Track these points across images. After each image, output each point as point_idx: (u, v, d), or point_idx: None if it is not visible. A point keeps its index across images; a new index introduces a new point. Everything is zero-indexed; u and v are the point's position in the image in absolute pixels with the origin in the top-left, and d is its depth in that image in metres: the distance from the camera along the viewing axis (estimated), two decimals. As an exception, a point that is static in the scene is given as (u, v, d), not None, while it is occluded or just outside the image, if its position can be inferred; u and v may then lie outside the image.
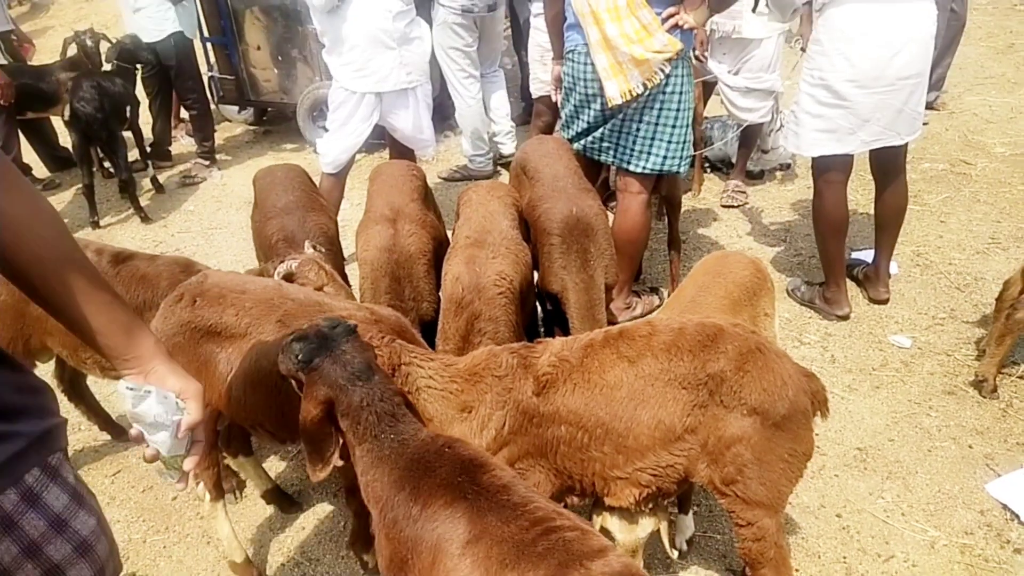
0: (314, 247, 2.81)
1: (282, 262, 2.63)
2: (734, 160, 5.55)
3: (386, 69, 4.13)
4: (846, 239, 3.90)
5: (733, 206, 5.22)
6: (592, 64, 3.41)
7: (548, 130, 4.96)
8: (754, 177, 5.57)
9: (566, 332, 3.25)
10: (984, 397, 3.32)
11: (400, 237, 2.89)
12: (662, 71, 3.32)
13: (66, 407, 3.49)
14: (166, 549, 2.94)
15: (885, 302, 4.01)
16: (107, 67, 5.85)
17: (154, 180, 6.26)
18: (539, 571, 1.47)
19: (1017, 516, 2.70)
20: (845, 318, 3.93)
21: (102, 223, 5.71)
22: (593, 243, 2.90)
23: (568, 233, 2.90)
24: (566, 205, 2.96)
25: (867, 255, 4.41)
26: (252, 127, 7.57)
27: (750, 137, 5.21)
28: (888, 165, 3.71)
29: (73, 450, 3.45)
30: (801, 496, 2.90)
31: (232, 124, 7.62)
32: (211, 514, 2.68)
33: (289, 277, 2.60)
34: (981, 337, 3.69)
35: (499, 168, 6.11)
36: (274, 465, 3.29)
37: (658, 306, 4.17)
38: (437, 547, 1.63)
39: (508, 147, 6.12)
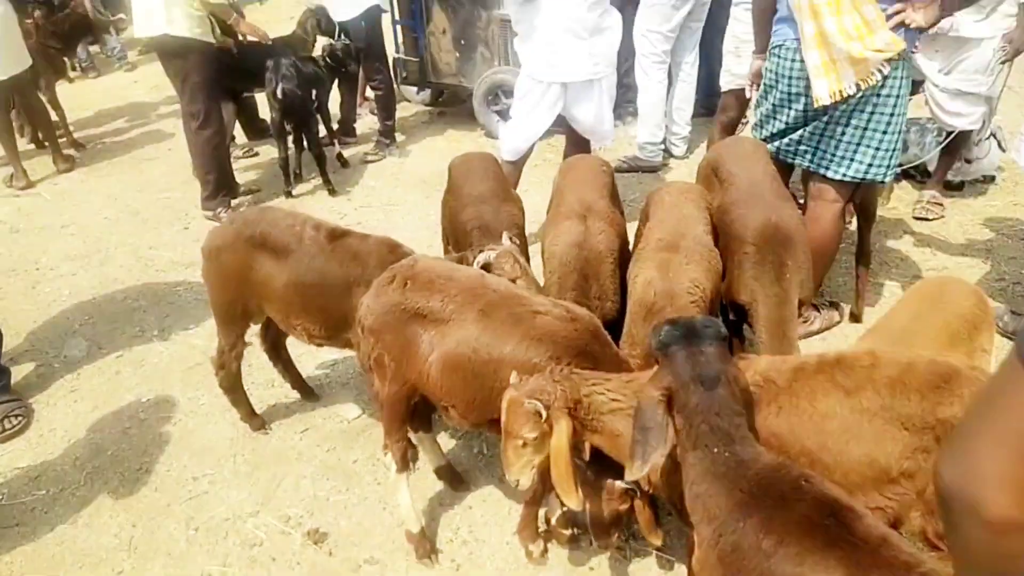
0: (511, 239, 2.89)
1: (481, 251, 2.73)
2: (930, 168, 5.14)
3: (575, 59, 4.15)
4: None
5: (927, 219, 4.85)
6: (800, 61, 3.25)
7: (732, 126, 4.81)
8: (953, 188, 5.13)
9: (741, 344, 3.16)
10: None
11: (590, 234, 2.92)
12: (880, 72, 3.12)
13: (267, 367, 3.83)
14: (347, 509, 3.16)
15: None
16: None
17: (340, 156, 6.67)
18: None
19: None
20: None
21: (294, 192, 6.15)
22: (790, 256, 2.79)
23: (765, 243, 2.81)
24: (764, 213, 2.86)
25: None
26: (427, 108, 7.87)
27: (955, 145, 4.79)
28: None
29: (267, 405, 3.78)
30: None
31: (409, 105, 7.96)
32: (395, 484, 2.86)
33: (487, 267, 2.70)
34: None
35: (667, 163, 6.02)
36: (445, 443, 3.45)
37: (838, 322, 3.97)
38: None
39: (680, 149, 6.00)
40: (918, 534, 1.97)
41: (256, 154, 7.02)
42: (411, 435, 3.22)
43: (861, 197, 3.77)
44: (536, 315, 2.42)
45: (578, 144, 4.72)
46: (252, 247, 3.14)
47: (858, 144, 3.31)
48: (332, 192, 6.14)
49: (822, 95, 3.22)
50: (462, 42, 6.64)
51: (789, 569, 1.57)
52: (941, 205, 4.89)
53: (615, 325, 2.84)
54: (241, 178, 6.32)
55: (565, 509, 2.64)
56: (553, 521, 2.84)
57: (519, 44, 4.30)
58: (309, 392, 3.82)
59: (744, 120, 5.36)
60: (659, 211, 2.94)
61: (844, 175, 3.39)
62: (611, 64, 4.31)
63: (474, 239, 3.01)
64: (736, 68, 4.58)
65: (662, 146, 5.90)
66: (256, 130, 7.05)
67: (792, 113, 3.44)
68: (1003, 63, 4.10)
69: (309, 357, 4.05)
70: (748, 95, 3.98)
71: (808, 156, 3.47)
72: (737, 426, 1.76)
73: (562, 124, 4.62)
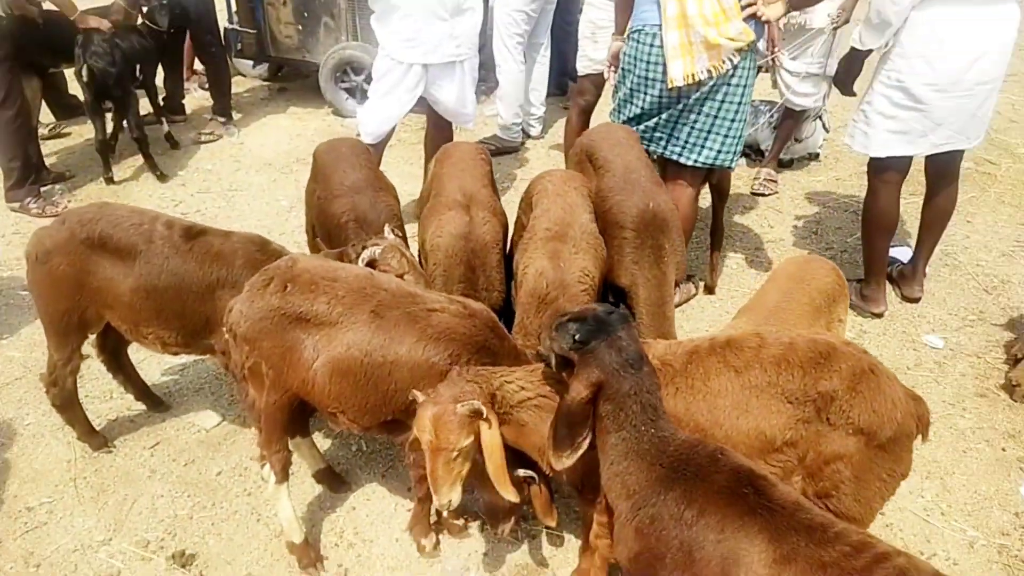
0: (393, 231, 2.76)
1: (364, 247, 2.58)
2: (762, 146, 5.54)
3: (436, 40, 4.02)
4: (891, 239, 3.95)
5: (764, 194, 5.24)
6: (658, 46, 3.33)
7: (589, 110, 4.89)
8: (784, 165, 5.58)
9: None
10: (1015, 401, 3.41)
11: (475, 225, 2.85)
12: (731, 60, 3.28)
13: (104, 377, 3.43)
14: (215, 526, 2.91)
15: (917, 300, 4.07)
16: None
17: (169, 136, 6.06)
18: None
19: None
20: (880, 316, 3.99)
21: (117, 178, 5.53)
22: (667, 239, 2.89)
23: (643, 228, 2.88)
24: (642, 199, 2.93)
25: (899, 252, 4.48)
26: (266, 83, 7.36)
27: (790, 125, 5.19)
28: (945, 169, 3.74)
29: (107, 420, 3.40)
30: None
31: (245, 80, 7.40)
32: (275, 495, 2.67)
33: (372, 263, 2.56)
34: (1010, 340, 3.78)
35: (524, 143, 6.04)
36: (321, 444, 3.27)
37: (694, 295, 4.20)
38: (729, 560, 1.61)
39: (536, 129, 6.04)
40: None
41: (67, 134, 6.23)
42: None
43: (717, 178, 3.98)
44: (432, 313, 2.32)
45: (440, 127, 4.60)
46: (90, 249, 2.78)
47: (708, 132, 3.48)
48: (161, 177, 5.57)
49: (676, 76, 3.32)
50: (305, 14, 6.24)
51: (712, 536, 1.66)
52: (775, 181, 5.29)
53: (500, 315, 2.81)
54: (50, 162, 5.59)
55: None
56: (445, 513, 2.79)
57: (376, 23, 4.10)
58: (157, 402, 3.46)
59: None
60: (544, 199, 2.92)
61: (696, 161, 3.55)
62: (473, 46, 4.23)
63: (350, 232, 2.84)
64: (593, 53, 4.66)
65: (521, 128, 5.91)
66: (65, 107, 6.24)
67: (648, 99, 3.52)
68: (835, 29, 4.46)
69: (153, 362, 3.68)
70: (606, 77, 4.06)
71: (663, 143, 3.59)
72: (660, 399, 1.86)
73: (423, 105, 4.49)
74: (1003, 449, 3.21)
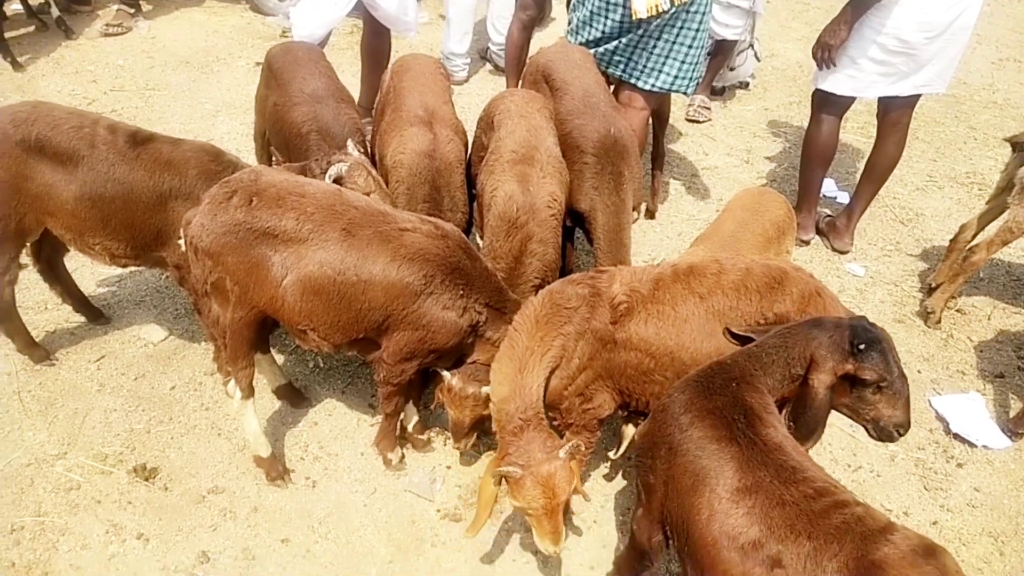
0: (357, 147, 2.69)
1: (329, 163, 2.52)
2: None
3: (380, -60, 3.82)
4: (827, 170, 4.15)
5: (699, 121, 5.36)
6: None
7: (531, 25, 4.75)
8: (716, 93, 5.69)
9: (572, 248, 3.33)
10: (929, 327, 3.75)
11: (440, 143, 2.82)
12: (691, -11, 3.30)
13: (38, 287, 3.27)
14: (174, 440, 2.90)
15: (847, 253, 4.24)
16: None
17: (60, 22, 5.52)
18: (842, 546, 1.55)
19: (959, 435, 3.16)
20: (807, 243, 4.24)
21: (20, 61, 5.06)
22: (627, 166, 2.95)
23: (604, 154, 2.92)
24: (603, 124, 2.96)
25: (824, 184, 4.71)
26: (179, -28, 6.79)
27: (723, 53, 5.28)
28: (900, 117, 3.86)
29: (45, 332, 3.27)
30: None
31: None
32: (240, 410, 2.68)
33: (338, 180, 2.51)
34: (925, 270, 4.12)
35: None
36: (279, 360, 3.25)
37: (636, 219, 4.30)
38: (698, 478, 1.73)
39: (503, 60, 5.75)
40: None
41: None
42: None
43: (658, 103, 4.03)
44: (404, 232, 2.33)
45: (377, 34, 4.42)
46: (26, 152, 2.61)
47: (667, 57, 3.52)
48: (16, 66, 5.07)
49: (640, 9, 3.32)
50: None
51: (692, 449, 1.81)
52: (709, 108, 5.42)
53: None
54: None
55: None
56: (410, 428, 2.88)
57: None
58: (97, 314, 3.35)
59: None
60: (507, 121, 2.90)
61: (653, 86, 3.59)
62: (415, -53, 4.03)
63: (312, 145, 2.75)
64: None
65: (469, 61, 5.67)
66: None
67: (608, 23, 3.51)
68: None
69: (86, 272, 3.52)
70: None
71: (621, 67, 3.61)
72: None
73: (361, 10, 4.27)
74: (919, 371, 3.51)
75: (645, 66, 3.58)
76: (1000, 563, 2.70)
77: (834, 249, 4.25)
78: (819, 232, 4.30)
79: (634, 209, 3.06)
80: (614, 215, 2.94)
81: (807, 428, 1.99)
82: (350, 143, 2.68)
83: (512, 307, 2.43)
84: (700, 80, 3.73)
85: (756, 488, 1.69)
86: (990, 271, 4.16)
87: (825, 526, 1.61)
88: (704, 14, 3.48)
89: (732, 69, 5.60)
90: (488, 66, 5.91)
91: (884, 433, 2.07)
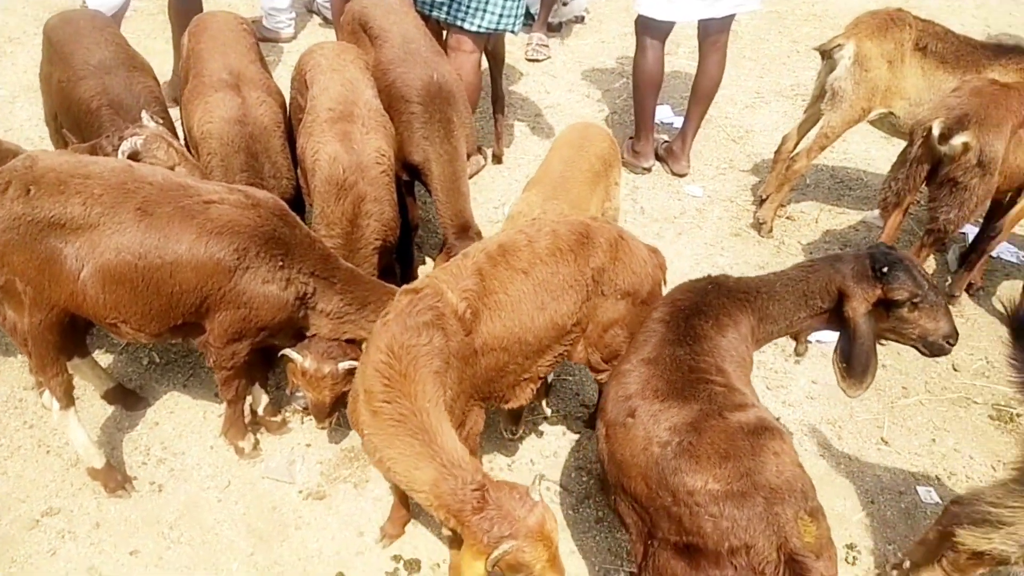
0: (153, 118, 2.45)
1: (121, 138, 2.28)
2: (531, 10, 5.55)
3: None
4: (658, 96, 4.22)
5: (538, 59, 5.32)
6: None
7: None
8: (553, 29, 5.66)
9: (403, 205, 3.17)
10: (763, 237, 3.94)
11: (250, 107, 2.62)
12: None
13: None
14: (-2, 465, 2.64)
15: (685, 175, 4.35)
16: None
17: None
18: (683, 411, 1.75)
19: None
20: (648, 170, 4.34)
21: None
22: (455, 112, 2.86)
23: (430, 101, 2.82)
24: (425, 71, 2.85)
25: (660, 111, 4.82)
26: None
27: (554, -11, 5.23)
28: (715, 36, 3.96)
29: None
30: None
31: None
32: (62, 422, 2.45)
33: (134, 156, 2.28)
34: (756, 183, 4.31)
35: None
36: (104, 362, 2.99)
37: (483, 166, 4.25)
38: (632, 345, 2.00)
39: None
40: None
41: None
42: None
43: (492, 44, 3.96)
44: (210, 205, 2.16)
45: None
46: None
47: None
48: None
49: None
50: None
51: (646, 324, 2.06)
52: (547, 46, 5.38)
53: (292, 203, 2.67)
54: None
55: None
56: (260, 411, 2.74)
57: None
58: None
59: None
60: (320, 77, 2.71)
61: (479, 27, 3.50)
62: None
63: (104, 120, 2.49)
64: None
65: (294, 16, 5.28)
66: None
67: None
68: None
69: None
70: None
71: (444, 9, 3.49)
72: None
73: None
74: (755, 278, 3.71)
75: (468, 7, 3.47)
76: (839, 446, 2.92)
77: (673, 173, 4.36)
78: (658, 158, 4.39)
79: (472, 155, 2.98)
80: (448, 164, 2.85)
81: (859, 362, 2.04)
82: (145, 114, 2.44)
83: (343, 275, 2.31)
84: (523, 18, 3.66)
85: (656, 360, 1.90)
86: (816, 176, 4.42)
87: (681, 394, 1.80)
88: (520, -53, 3.41)
89: (565, 4, 5.57)
90: (317, 19, 5.59)
91: (935, 348, 2.14)
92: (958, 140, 2.83)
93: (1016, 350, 1.95)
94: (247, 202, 2.21)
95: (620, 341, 2.26)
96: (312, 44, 3.04)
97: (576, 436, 2.87)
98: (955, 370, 3.29)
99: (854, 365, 2.05)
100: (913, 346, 2.18)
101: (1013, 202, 3.26)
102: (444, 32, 3.73)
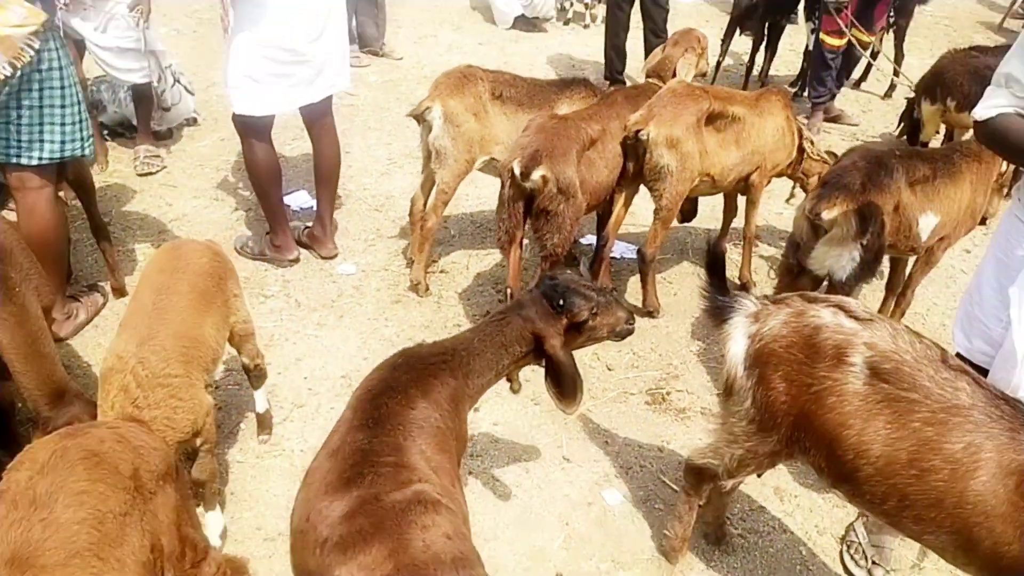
0: None
1: None
2: (134, 122, 5.16)
3: None
4: (282, 187, 4.11)
5: (152, 172, 4.93)
6: None
7: None
8: (162, 138, 5.30)
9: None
10: (421, 296, 4.00)
11: None
12: (30, 47, 2.90)
13: None
14: None
15: (335, 256, 4.28)
16: None
17: None
18: (343, 502, 1.67)
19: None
20: (296, 261, 4.19)
21: None
22: (11, 266, 2.44)
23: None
24: None
25: (296, 198, 4.74)
26: None
27: (145, 96, 4.88)
28: (319, 119, 3.96)
29: None
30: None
31: None
32: None
33: None
34: (406, 247, 4.38)
35: None
36: None
37: (104, 303, 3.78)
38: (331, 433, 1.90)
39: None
40: None
41: None
42: None
43: (72, 172, 3.55)
44: None
45: None
46: None
47: (41, 124, 3.09)
48: None
49: None
50: None
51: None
52: (159, 156, 5.00)
53: None
54: None
55: None
56: None
57: None
58: None
59: None
60: None
61: (40, 159, 3.13)
62: None
63: None
64: None
65: None
66: None
67: None
68: (137, 25, 4.27)
69: None
70: None
71: (-4, 147, 3.06)
72: None
73: None
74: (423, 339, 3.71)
75: (20, 141, 3.08)
76: (528, 481, 2.99)
77: (322, 257, 4.26)
78: (303, 245, 4.27)
79: (48, 309, 2.57)
80: (18, 327, 2.40)
81: (569, 385, 2.22)
82: None
83: None
84: (91, 137, 3.32)
85: (337, 451, 1.80)
86: (458, 226, 4.66)
87: (347, 484, 1.71)
88: (63, 68, 3.09)
89: (167, 110, 5.23)
90: None
91: (624, 333, 2.42)
92: (536, 175, 3.11)
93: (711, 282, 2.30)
94: None
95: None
96: None
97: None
98: (609, 369, 3.59)
99: (565, 389, 2.24)
100: (606, 339, 2.46)
101: (608, 212, 3.68)
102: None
